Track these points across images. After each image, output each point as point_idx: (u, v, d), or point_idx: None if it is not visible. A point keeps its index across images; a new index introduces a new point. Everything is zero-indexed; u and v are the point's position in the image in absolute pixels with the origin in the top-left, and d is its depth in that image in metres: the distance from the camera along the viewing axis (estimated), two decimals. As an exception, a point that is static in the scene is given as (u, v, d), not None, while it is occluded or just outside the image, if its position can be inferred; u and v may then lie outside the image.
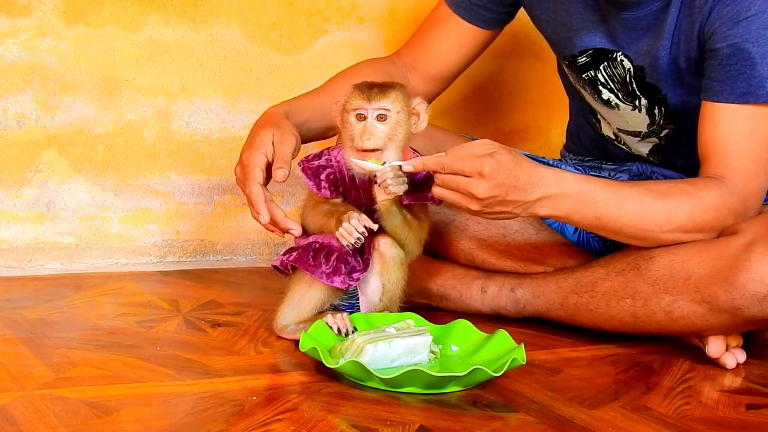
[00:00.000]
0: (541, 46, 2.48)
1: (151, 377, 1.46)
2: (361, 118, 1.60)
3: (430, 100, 2.09)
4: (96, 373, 1.46)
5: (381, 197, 1.61)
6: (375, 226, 1.60)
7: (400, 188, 1.59)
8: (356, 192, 1.65)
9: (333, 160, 1.65)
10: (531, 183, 1.58)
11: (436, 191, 1.58)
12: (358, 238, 1.58)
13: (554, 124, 2.63)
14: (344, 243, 1.59)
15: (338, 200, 1.67)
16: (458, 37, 2.01)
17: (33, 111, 2.13)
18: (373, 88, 1.61)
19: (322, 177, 1.65)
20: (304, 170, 1.67)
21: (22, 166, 2.14)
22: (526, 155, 2.06)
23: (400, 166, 1.58)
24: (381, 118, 1.59)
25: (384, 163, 1.58)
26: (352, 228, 1.58)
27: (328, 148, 1.67)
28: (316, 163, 1.67)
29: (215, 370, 1.51)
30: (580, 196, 1.62)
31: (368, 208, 1.65)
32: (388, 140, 1.59)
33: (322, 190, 1.65)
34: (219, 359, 1.56)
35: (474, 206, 1.57)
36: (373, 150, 1.59)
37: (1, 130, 2.11)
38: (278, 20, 2.31)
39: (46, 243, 2.17)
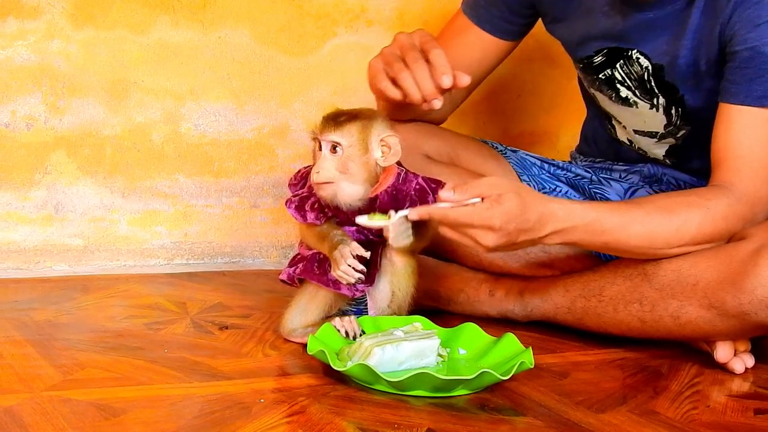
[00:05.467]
0: (550, 50, 2.48)
1: (158, 379, 1.46)
2: (320, 147, 1.60)
3: (452, 110, 2.09)
4: (103, 375, 1.46)
5: (395, 247, 1.60)
6: (368, 254, 1.59)
7: (408, 240, 1.58)
8: (343, 215, 1.63)
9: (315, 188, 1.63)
10: (540, 221, 1.56)
11: (445, 232, 1.55)
12: (359, 278, 1.58)
13: (562, 128, 2.63)
14: (345, 283, 1.59)
15: (331, 222, 1.65)
16: (479, 48, 2.01)
17: (42, 113, 2.14)
18: (331, 119, 1.59)
19: (307, 207, 1.64)
20: (288, 206, 1.65)
21: (31, 168, 2.14)
22: (534, 158, 2.07)
23: (406, 216, 1.55)
24: (334, 150, 1.59)
25: (389, 216, 1.56)
26: (350, 269, 1.57)
27: (310, 168, 1.65)
28: (299, 195, 1.66)
29: (223, 372, 1.51)
30: (588, 226, 1.61)
31: (359, 227, 1.65)
32: (339, 173, 1.58)
33: (309, 220, 1.64)
34: (226, 362, 1.56)
35: (483, 251, 1.56)
36: (324, 183, 1.58)
37: (9, 132, 2.12)
38: (287, 23, 2.31)
39: (54, 245, 2.18)
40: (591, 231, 1.61)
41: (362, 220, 1.57)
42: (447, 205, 1.53)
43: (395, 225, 1.56)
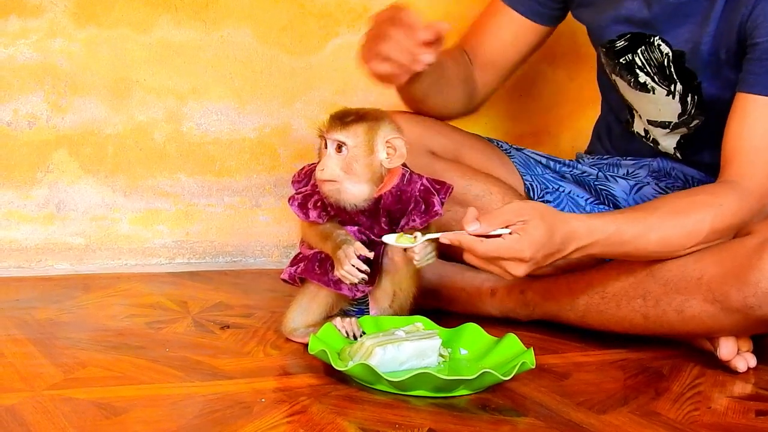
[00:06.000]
0: (552, 50, 2.47)
1: (159, 378, 1.46)
2: (326, 145, 1.60)
3: (489, 94, 2.09)
4: (105, 374, 1.46)
5: (419, 266, 1.60)
6: (371, 254, 1.59)
7: (432, 260, 1.59)
8: (346, 215, 1.63)
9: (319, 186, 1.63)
10: (565, 241, 1.56)
11: (471, 260, 1.54)
12: (362, 278, 1.58)
13: (564, 128, 2.63)
14: (348, 283, 1.59)
15: (334, 221, 1.65)
16: (512, 29, 2.02)
17: (44, 111, 2.14)
18: (338, 119, 1.59)
19: (310, 205, 1.63)
20: (291, 203, 1.65)
21: (33, 167, 2.14)
22: (540, 156, 2.07)
23: (436, 238, 1.55)
24: (339, 149, 1.59)
25: (415, 238, 1.56)
26: (354, 269, 1.56)
27: (314, 165, 1.65)
28: (302, 192, 1.66)
29: (224, 372, 1.51)
30: (608, 240, 1.61)
31: (364, 226, 1.64)
32: (344, 173, 1.58)
33: (311, 218, 1.64)
34: (228, 361, 1.56)
35: (510, 278, 1.56)
36: (328, 181, 1.58)
37: (11, 131, 2.12)
38: (289, 22, 2.31)
39: (55, 243, 2.18)
40: (611, 244, 1.61)
41: (390, 239, 1.57)
42: (477, 239, 1.51)
43: (421, 247, 1.56)
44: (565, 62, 2.54)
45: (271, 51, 2.31)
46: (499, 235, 1.51)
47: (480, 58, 2.04)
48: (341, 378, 1.49)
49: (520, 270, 1.52)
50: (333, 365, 1.45)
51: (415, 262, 1.57)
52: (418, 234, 1.57)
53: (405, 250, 1.58)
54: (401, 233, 1.59)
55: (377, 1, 2.37)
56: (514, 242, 1.50)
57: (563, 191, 2.01)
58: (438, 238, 1.54)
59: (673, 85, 1.89)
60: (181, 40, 2.23)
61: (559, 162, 2.08)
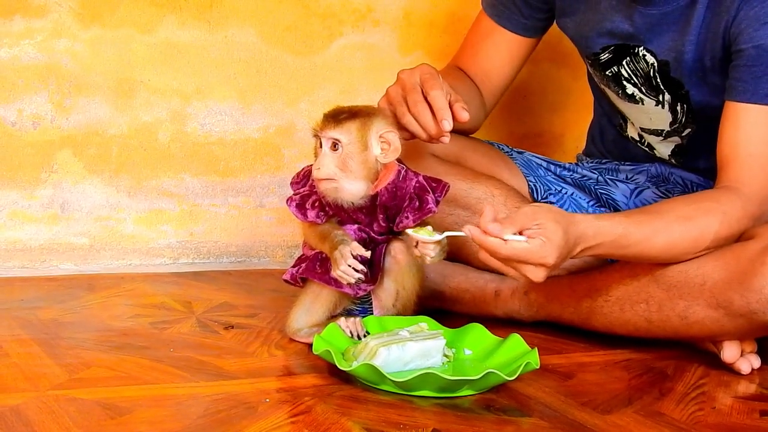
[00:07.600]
0: (556, 51, 2.47)
1: (164, 379, 1.46)
2: (321, 144, 1.60)
3: (495, 105, 2.11)
4: (109, 374, 1.47)
5: (429, 263, 1.59)
6: (368, 254, 1.59)
7: (442, 257, 1.57)
8: (345, 213, 1.64)
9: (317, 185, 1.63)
10: (576, 243, 1.55)
11: (487, 260, 1.51)
12: (359, 278, 1.57)
13: (568, 129, 2.63)
14: (345, 283, 1.59)
15: (333, 221, 1.65)
16: (507, 49, 2.04)
17: (48, 112, 2.14)
18: (331, 117, 1.60)
19: (308, 205, 1.64)
20: (289, 203, 1.65)
21: (37, 167, 2.15)
22: (540, 159, 2.07)
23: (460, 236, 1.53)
24: (334, 147, 1.59)
25: (432, 234, 1.55)
26: (350, 270, 1.56)
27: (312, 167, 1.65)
28: (300, 193, 1.66)
29: (228, 372, 1.51)
30: (614, 242, 1.60)
31: (363, 223, 1.64)
32: (340, 171, 1.58)
33: (309, 218, 1.64)
34: (232, 361, 1.56)
35: (526, 282, 1.54)
36: (325, 180, 1.58)
37: (16, 131, 2.12)
38: (293, 22, 2.31)
39: (60, 243, 2.18)
40: (617, 246, 1.61)
41: (413, 234, 1.56)
42: (499, 241, 1.47)
43: (437, 244, 1.54)
44: (569, 63, 2.54)
45: (275, 51, 2.31)
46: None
47: (480, 79, 2.06)
48: (345, 378, 1.49)
49: (539, 275, 1.50)
50: (337, 365, 1.45)
51: (428, 260, 1.56)
52: (429, 228, 1.56)
53: (417, 245, 1.56)
54: (420, 227, 1.58)
55: (381, 2, 2.37)
56: (540, 247, 1.47)
57: (566, 193, 2.01)
58: (456, 236, 1.53)
59: (661, 95, 1.88)
60: (186, 41, 2.23)
61: (560, 165, 2.08)
